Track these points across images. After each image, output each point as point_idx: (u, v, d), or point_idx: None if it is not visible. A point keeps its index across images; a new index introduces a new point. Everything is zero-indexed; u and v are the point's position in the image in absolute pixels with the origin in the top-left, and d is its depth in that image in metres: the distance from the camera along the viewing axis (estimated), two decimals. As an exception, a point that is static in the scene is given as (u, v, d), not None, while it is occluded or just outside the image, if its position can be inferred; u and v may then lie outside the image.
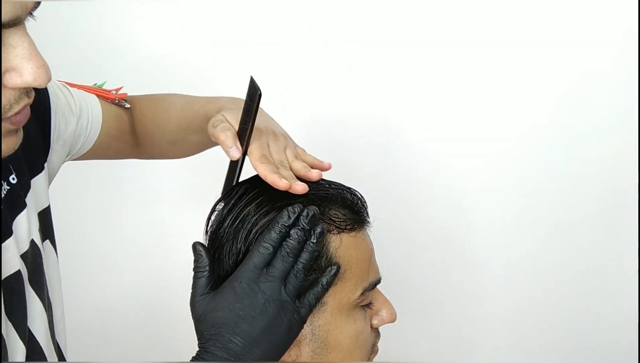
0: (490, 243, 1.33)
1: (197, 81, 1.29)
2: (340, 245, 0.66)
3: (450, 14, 1.22)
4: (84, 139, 0.81)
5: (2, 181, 0.64)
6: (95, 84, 0.89)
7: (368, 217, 0.72)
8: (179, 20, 1.26)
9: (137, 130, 0.89)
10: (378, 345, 0.74)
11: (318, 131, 1.27)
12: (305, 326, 0.66)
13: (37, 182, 0.72)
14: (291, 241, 0.61)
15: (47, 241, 0.74)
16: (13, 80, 0.50)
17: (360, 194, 0.72)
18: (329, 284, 0.63)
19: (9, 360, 0.63)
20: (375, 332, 0.73)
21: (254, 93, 0.69)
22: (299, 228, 0.61)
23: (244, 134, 0.70)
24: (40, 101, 0.72)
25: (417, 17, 1.23)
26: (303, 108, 1.28)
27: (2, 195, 0.64)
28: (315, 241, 0.62)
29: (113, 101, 0.87)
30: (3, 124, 0.51)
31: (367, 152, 1.28)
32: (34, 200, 0.70)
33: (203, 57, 1.29)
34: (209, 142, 0.84)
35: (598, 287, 1.31)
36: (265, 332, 0.59)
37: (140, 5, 1.23)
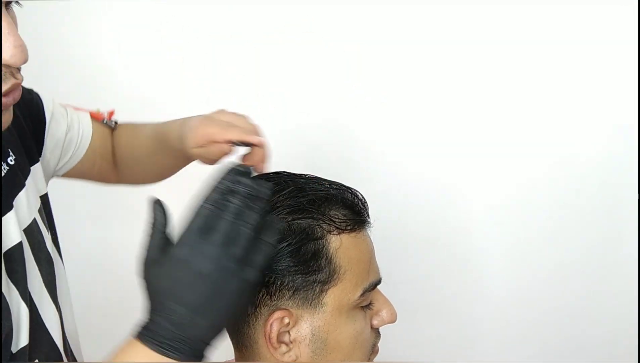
0: (490, 244, 1.33)
1: (197, 81, 1.29)
2: (340, 245, 0.66)
3: (450, 14, 1.22)
4: (74, 148, 0.86)
5: (2, 162, 0.68)
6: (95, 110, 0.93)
7: (369, 218, 0.72)
8: (178, 20, 1.26)
9: (115, 153, 0.94)
10: (378, 345, 0.74)
11: (317, 131, 1.27)
12: (306, 327, 0.66)
13: (35, 170, 0.77)
14: (234, 201, 0.54)
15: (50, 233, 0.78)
16: None
17: (361, 195, 0.71)
18: (273, 240, 0.57)
19: (13, 321, 0.66)
20: (376, 332, 0.73)
21: None
22: (243, 186, 0.55)
23: None
24: (33, 101, 0.80)
25: (417, 17, 1.23)
26: (302, 108, 1.28)
27: (2, 174, 0.68)
28: (261, 197, 0.56)
29: (102, 120, 0.91)
30: None
31: (366, 152, 1.28)
32: (35, 184, 0.75)
33: (203, 57, 1.28)
34: (180, 163, 0.88)
35: (598, 287, 1.31)
36: (209, 299, 0.54)
37: (140, 5, 1.23)
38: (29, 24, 1.20)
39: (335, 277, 0.65)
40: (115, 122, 0.93)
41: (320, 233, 0.65)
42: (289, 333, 0.66)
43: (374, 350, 0.72)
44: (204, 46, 1.27)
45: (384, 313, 0.72)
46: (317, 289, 0.65)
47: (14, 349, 0.66)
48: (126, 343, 0.55)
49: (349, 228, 0.67)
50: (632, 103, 1.20)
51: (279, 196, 0.67)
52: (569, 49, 1.21)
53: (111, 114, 0.93)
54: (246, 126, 0.76)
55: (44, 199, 0.78)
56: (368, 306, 0.70)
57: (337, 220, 0.67)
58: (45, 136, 0.80)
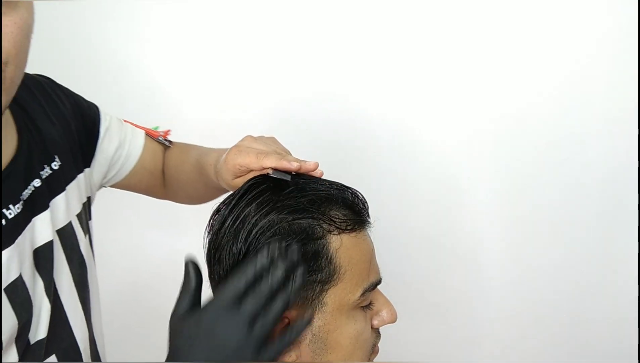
0: (491, 244, 1.33)
1: (196, 81, 1.29)
2: (340, 245, 0.66)
3: (445, 16, 1.22)
4: (122, 162, 0.91)
5: (45, 165, 0.75)
6: (152, 128, 0.97)
7: (369, 218, 0.72)
8: (177, 21, 1.26)
9: (164, 172, 0.97)
10: (378, 345, 0.74)
11: (318, 132, 1.27)
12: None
13: (82, 177, 0.82)
14: (265, 285, 0.56)
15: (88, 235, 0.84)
16: None
17: (362, 195, 0.72)
18: (299, 333, 0.59)
19: (34, 313, 0.70)
20: (376, 332, 0.73)
21: None
22: (278, 269, 0.56)
23: None
24: (90, 116, 0.86)
25: (418, 14, 1.23)
26: (304, 109, 1.28)
27: (44, 177, 0.74)
28: (294, 287, 0.57)
29: (157, 137, 0.95)
30: None
31: (366, 152, 1.29)
32: (78, 190, 0.81)
33: (202, 58, 1.29)
34: (216, 194, 0.90)
35: (598, 287, 1.31)
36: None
37: (139, 5, 1.23)
38: (52, 24, 1.22)
39: (335, 277, 0.65)
40: (170, 141, 0.97)
41: (320, 233, 0.65)
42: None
43: (374, 350, 0.73)
44: (203, 46, 1.28)
45: (384, 313, 0.72)
46: (317, 289, 0.65)
47: (32, 339, 0.70)
48: None
49: (349, 228, 0.67)
50: (632, 102, 1.20)
51: (280, 196, 0.67)
52: (569, 49, 1.21)
53: (167, 133, 0.97)
54: (277, 149, 0.75)
55: (85, 205, 0.83)
56: (368, 306, 0.70)
57: (337, 220, 0.67)
58: (97, 150, 0.86)
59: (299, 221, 0.65)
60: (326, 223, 0.66)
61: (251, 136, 0.78)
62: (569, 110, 1.25)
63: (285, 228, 0.65)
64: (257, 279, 0.57)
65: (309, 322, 0.61)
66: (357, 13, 1.24)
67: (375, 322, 0.72)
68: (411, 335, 1.30)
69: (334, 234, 0.66)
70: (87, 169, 0.84)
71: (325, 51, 1.26)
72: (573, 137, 1.26)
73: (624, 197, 1.25)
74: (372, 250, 0.71)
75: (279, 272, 0.57)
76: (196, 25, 1.28)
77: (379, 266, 0.72)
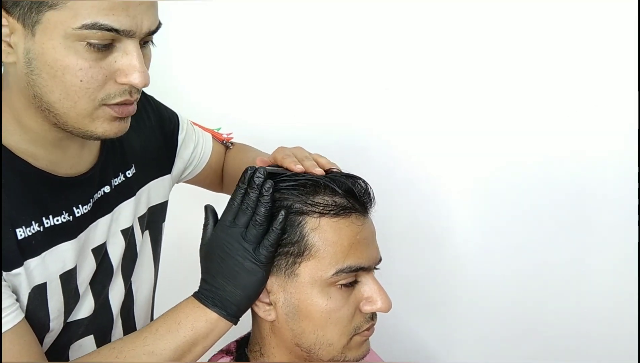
0: (491, 244, 1.32)
1: (195, 82, 1.36)
2: (317, 226, 0.73)
3: (444, 18, 1.22)
4: (196, 163, 1.02)
5: (119, 173, 0.84)
6: (215, 129, 1.10)
7: (364, 206, 0.77)
8: (177, 21, 1.31)
9: (224, 170, 1.09)
10: (372, 329, 0.77)
11: (310, 134, 1.30)
12: (280, 292, 0.74)
13: (163, 181, 0.93)
14: (247, 198, 0.73)
15: (147, 231, 0.92)
16: (120, 78, 0.67)
17: (364, 187, 0.77)
18: (280, 228, 0.72)
19: (74, 308, 0.79)
20: (364, 316, 0.76)
21: None
22: (253, 186, 0.72)
23: None
24: (170, 127, 0.96)
25: (419, 16, 1.24)
26: (306, 109, 1.33)
27: (115, 184, 0.83)
28: (265, 194, 0.72)
29: (222, 141, 1.08)
30: (107, 110, 0.68)
31: (363, 152, 1.30)
32: (148, 194, 0.90)
33: (202, 59, 1.35)
34: None
35: (598, 287, 1.27)
36: (232, 270, 0.72)
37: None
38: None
39: (307, 253, 0.73)
40: (232, 143, 1.08)
41: (299, 212, 0.73)
42: (268, 294, 0.75)
43: (361, 333, 0.76)
44: (203, 47, 1.34)
45: (375, 300, 0.75)
46: (290, 260, 0.74)
47: (70, 319, 0.79)
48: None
49: (332, 212, 0.74)
50: (631, 103, 1.15)
51: (278, 178, 0.76)
52: (568, 48, 1.18)
53: (229, 139, 1.08)
54: (298, 154, 0.83)
55: (153, 208, 0.92)
56: (352, 288, 0.75)
57: (320, 204, 0.74)
58: (176, 156, 0.96)
59: (283, 200, 0.74)
60: (307, 205, 0.74)
61: (281, 147, 0.88)
62: (569, 110, 1.21)
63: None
64: (243, 199, 0.73)
65: (286, 215, 0.73)
66: (358, 16, 1.27)
67: (366, 307, 0.76)
68: (411, 335, 1.32)
69: (313, 216, 0.73)
70: (166, 176, 0.94)
71: (334, 57, 1.29)
72: (572, 136, 1.21)
73: (623, 197, 1.19)
74: (359, 236, 0.75)
75: (252, 194, 0.73)
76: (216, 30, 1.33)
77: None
